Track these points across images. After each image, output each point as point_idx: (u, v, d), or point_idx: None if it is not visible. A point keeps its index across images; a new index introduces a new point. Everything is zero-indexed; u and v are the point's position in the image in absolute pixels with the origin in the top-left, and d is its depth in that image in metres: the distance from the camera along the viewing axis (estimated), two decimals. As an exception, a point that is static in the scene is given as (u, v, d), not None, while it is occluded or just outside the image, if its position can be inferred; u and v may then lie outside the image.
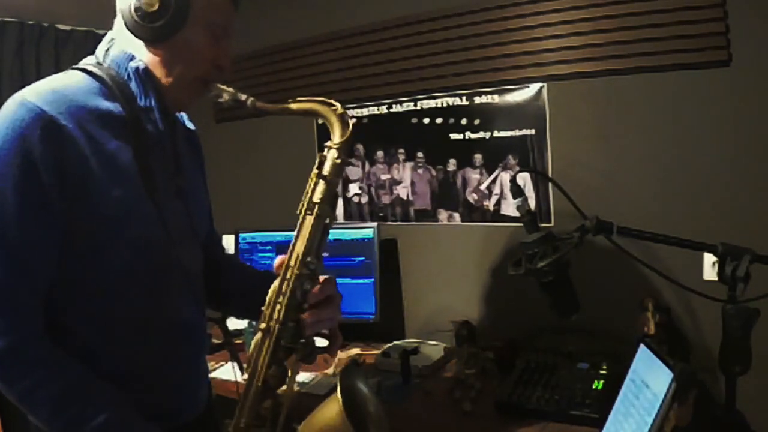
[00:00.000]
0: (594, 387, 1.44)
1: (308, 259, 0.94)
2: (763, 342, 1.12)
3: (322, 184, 0.96)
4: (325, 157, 0.97)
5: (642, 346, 1.15)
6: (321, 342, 1.01)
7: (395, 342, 2.00)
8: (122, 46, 0.99)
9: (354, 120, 2.16)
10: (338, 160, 0.97)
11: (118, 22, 0.98)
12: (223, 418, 1.09)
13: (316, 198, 0.95)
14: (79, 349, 0.91)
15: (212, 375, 1.79)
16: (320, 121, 1.04)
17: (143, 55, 0.98)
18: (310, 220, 0.95)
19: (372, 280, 2.04)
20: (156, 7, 0.93)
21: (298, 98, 1.01)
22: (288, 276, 0.94)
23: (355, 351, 1.98)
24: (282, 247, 2.20)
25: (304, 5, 2.31)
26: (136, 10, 0.93)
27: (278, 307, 0.93)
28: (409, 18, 2.05)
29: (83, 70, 0.97)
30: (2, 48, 2.17)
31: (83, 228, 0.89)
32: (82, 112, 0.90)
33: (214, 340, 1.95)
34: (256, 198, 2.51)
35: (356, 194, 2.27)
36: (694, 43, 1.58)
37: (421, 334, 2.07)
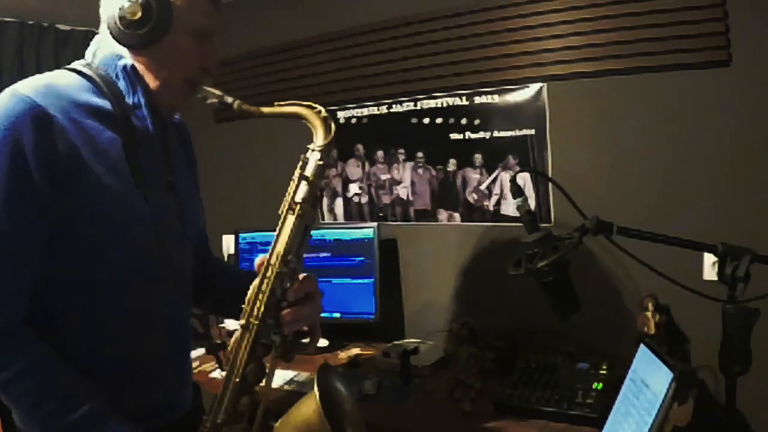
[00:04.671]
0: (594, 387, 1.44)
1: (288, 258, 0.95)
2: (763, 342, 1.12)
3: (304, 185, 0.97)
4: (307, 158, 0.99)
5: (642, 346, 1.15)
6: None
7: (395, 342, 2.00)
8: (110, 48, 1.00)
9: (354, 120, 2.18)
10: (320, 162, 0.99)
11: (104, 28, 1.00)
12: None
13: (298, 198, 0.97)
14: (69, 345, 0.92)
15: (210, 375, 1.79)
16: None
17: (129, 60, 1.00)
18: (291, 219, 0.96)
19: (372, 280, 2.04)
20: (139, 15, 0.94)
21: (282, 102, 1.03)
22: (268, 274, 0.95)
23: (355, 351, 1.98)
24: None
25: (304, 5, 2.31)
26: (120, 18, 0.95)
27: (258, 304, 0.94)
28: (409, 18, 2.05)
29: (73, 70, 0.98)
30: (2, 48, 2.17)
31: (75, 223, 0.90)
32: (74, 106, 0.92)
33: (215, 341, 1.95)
34: (256, 198, 2.50)
35: (356, 194, 2.27)
36: (694, 43, 1.58)
37: (421, 334, 2.07)
